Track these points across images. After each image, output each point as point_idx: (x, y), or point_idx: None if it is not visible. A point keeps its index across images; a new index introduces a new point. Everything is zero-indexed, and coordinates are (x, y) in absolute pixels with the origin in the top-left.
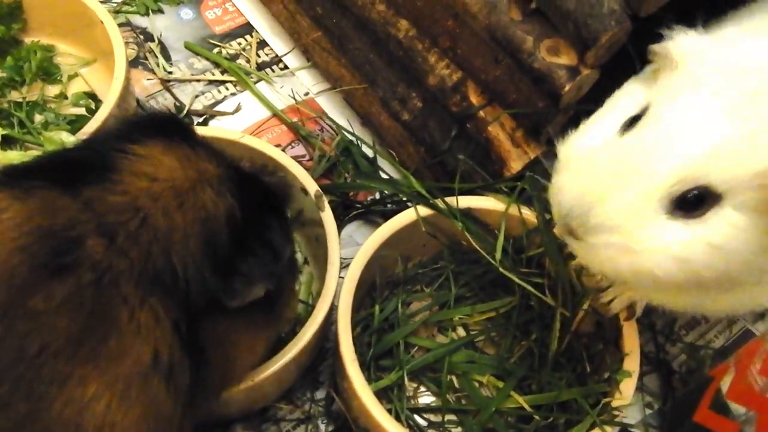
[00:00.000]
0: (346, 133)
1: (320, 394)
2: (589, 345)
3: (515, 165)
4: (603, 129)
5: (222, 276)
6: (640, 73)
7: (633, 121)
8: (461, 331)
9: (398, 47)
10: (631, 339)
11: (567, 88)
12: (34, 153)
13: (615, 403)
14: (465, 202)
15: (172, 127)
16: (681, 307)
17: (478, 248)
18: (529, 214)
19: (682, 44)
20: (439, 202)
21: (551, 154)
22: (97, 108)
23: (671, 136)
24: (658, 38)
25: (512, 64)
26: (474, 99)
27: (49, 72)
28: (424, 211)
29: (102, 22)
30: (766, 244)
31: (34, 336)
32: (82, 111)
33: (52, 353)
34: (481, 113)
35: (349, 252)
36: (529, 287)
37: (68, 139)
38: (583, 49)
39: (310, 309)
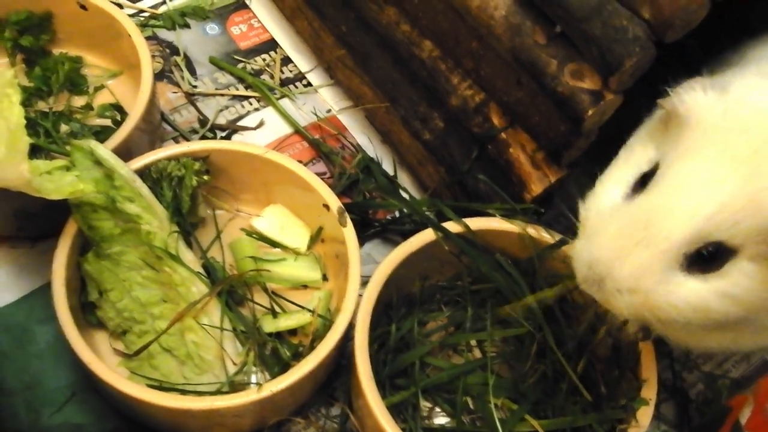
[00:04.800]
0: (366, 151)
1: (335, 411)
2: (605, 371)
3: (536, 188)
4: (616, 188)
5: None
6: (647, 121)
7: (644, 179)
8: (477, 352)
9: (421, 67)
10: (648, 366)
11: (590, 112)
12: (60, 163)
13: (631, 431)
14: (477, 224)
15: None
16: (705, 348)
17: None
18: (543, 236)
19: (688, 102)
20: (451, 225)
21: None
22: (123, 120)
23: (681, 197)
24: (679, 68)
25: (535, 87)
26: (496, 120)
27: (76, 83)
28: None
29: (129, 35)
30: None
31: None
32: (107, 122)
33: None
34: (503, 135)
35: (368, 270)
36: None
37: (96, 146)
38: (607, 74)
39: (328, 324)
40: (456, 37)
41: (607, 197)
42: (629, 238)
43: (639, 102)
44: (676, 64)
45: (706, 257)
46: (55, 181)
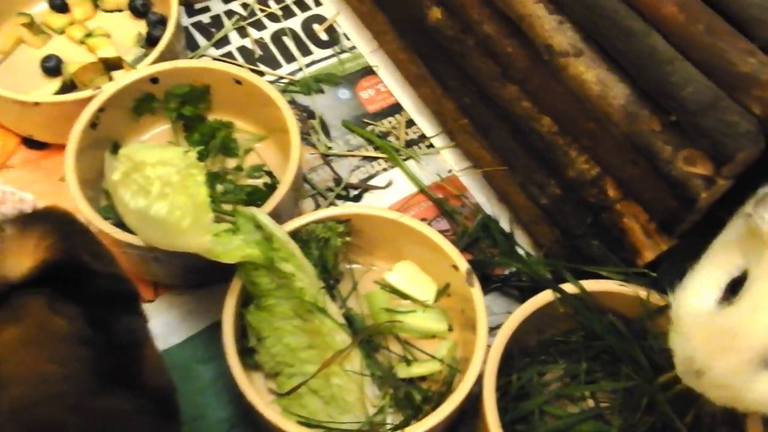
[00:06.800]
0: (484, 210)
1: None
2: (712, 425)
3: (648, 255)
4: (707, 290)
5: None
6: (734, 222)
7: (733, 285)
8: (590, 402)
9: (539, 140)
10: (756, 423)
11: (703, 195)
12: (226, 226)
13: None
14: (592, 285)
15: None
16: None
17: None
18: (654, 299)
19: None
20: (567, 286)
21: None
22: (272, 181)
23: (763, 314)
24: None
25: (649, 168)
26: (611, 192)
27: (228, 146)
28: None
29: (280, 108)
30: None
31: None
32: (256, 182)
33: None
34: (617, 206)
35: (488, 321)
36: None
37: (257, 213)
38: (719, 164)
39: (453, 373)
40: (574, 117)
41: (699, 299)
42: (720, 343)
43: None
44: None
45: None
46: (224, 245)
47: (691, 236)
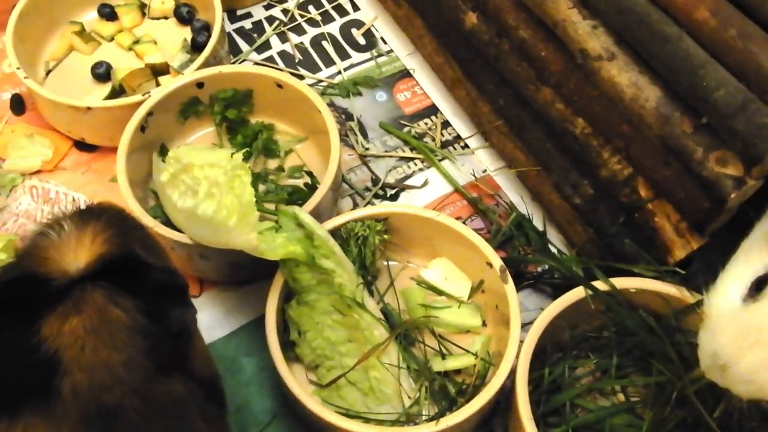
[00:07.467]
0: (518, 209)
1: None
2: (742, 419)
3: (679, 253)
4: (735, 288)
5: None
6: (762, 222)
7: (759, 283)
8: (621, 396)
9: (574, 141)
10: None
11: (733, 195)
12: (269, 224)
13: None
14: (624, 282)
15: None
16: None
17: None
18: (685, 296)
19: None
20: (599, 283)
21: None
22: (312, 181)
23: None
24: None
25: (681, 169)
26: (643, 192)
27: (269, 148)
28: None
29: (320, 110)
30: None
31: None
32: (296, 182)
33: None
34: (649, 205)
35: (521, 317)
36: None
37: (299, 212)
38: (750, 164)
39: (487, 366)
40: (608, 119)
41: (727, 296)
42: (746, 339)
43: None
44: None
45: None
46: (268, 242)
47: (721, 235)
